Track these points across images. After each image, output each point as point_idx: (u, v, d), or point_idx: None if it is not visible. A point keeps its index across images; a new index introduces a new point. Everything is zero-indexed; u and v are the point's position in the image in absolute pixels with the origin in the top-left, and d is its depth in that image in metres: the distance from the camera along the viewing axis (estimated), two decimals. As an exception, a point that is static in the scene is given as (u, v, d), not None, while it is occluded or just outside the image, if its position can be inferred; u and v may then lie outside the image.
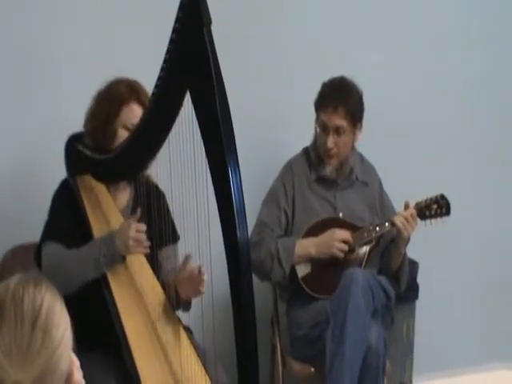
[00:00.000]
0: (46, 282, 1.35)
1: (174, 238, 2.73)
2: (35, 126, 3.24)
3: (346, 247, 3.19)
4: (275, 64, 3.64)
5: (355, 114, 3.22)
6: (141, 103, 2.66)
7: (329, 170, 3.29)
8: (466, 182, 4.02)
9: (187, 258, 2.56)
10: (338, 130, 3.20)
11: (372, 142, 3.41)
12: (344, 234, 3.20)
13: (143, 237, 2.50)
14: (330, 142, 3.21)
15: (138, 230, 2.50)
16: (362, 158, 3.41)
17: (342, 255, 3.18)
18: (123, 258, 2.55)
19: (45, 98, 3.25)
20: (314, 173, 3.32)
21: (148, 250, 2.55)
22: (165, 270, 2.69)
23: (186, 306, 2.67)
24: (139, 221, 2.53)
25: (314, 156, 3.32)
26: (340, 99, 3.18)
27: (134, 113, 2.67)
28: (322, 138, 3.24)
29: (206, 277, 2.51)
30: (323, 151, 3.26)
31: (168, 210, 2.75)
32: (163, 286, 2.63)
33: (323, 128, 3.23)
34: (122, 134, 2.66)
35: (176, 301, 2.62)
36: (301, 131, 3.40)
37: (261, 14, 3.62)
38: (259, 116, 3.61)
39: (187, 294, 2.60)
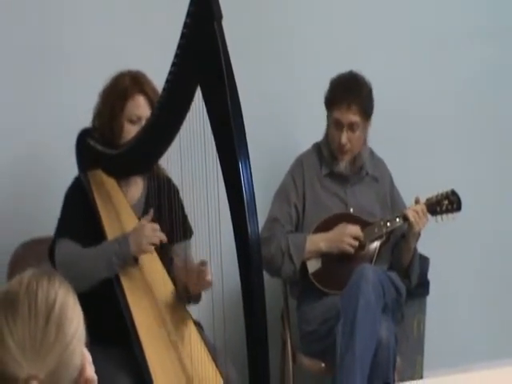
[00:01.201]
0: (60, 277, 1.35)
1: (187, 233, 2.73)
2: (45, 123, 3.24)
3: (356, 243, 3.18)
4: (285, 60, 3.64)
5: (367, 109, 3.22)
6: (145, 94, 2.68)
7: (343, 166, 3.29)
8: (476, 178, 4.00)
9: (202, 264, 2.55)
10: (351, 126, 3.20)
11: (379, 138, 3.40)
12: (354, 229, 3.19)
13: (158, 234, 2.53)
14: (344, 138, 3.20)
15: (152, 229, 2.52)
16: (372, 153, 3.40)
17: (352, 250, 3.18)
18: (135, 260, 2.56)
19: (55, 96, 3.25)
20: (326, 168, 3.31)
21: (164, 239, 2.56)
22: (176, 266, 2.69)
23: (196, 299, 2.68)
24: (152, 220, 2.55)
25: (326, 152, 3.32)
26: (353, 95, 3.18)
27: (137, 105, 2.68)
28: (336, 135, 3.23)
29: (209, 268, 2.51)
30: (337, 147, 3.26)
31: (181, 205, 2.75)
32: (174, 282, 2.63)
33: (337, 125, 3.22)
34: (129, 128, 2.67)
35: (187, 296, 2.63)
36: (311, 127, 3.40)
37: (271, 9, 3.62)
38: (269, 111, 3.61)
39: (196, 288, 2.60)
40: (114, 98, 2.69)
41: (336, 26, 3.72)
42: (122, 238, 2.54)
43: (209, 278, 2.52)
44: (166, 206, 2.63)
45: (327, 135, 3.32)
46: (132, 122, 2.68)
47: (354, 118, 3.19)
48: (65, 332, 1.29)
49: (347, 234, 3.18)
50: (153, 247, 2.55)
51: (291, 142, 3.64)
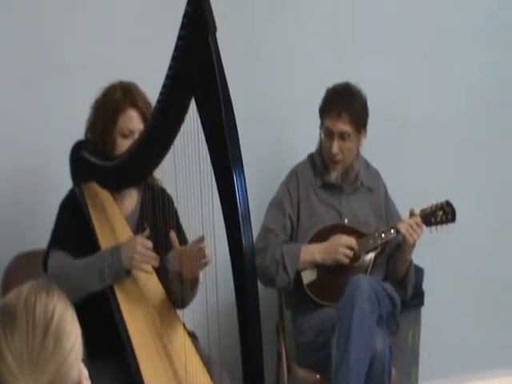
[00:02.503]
0: (58, 291, 1.35)
1: (181, 241, 2.72)
2: (43, 133, 3.25)
3: (350, 253, 3.18)
4: (281, 69, 3.65)
5: (360, 120, 3.23)
6: (137, 107, 2.67)
7: (334, 176, 3.30)
8: (472, 187, 4.01)
9: (200, 240, 2.50)
10: (342, 136, 3.21)
11: (375, 147, 3.41)
12: (349, 239, 3.20)
13: (150, 253, 2.51)
14: (335, 147, 3.21)
15: (144, 246, 2.50)
16: (367, 164, 3.41)
17: (346, 260, 3.18)
18: (128, 273, 2.55)
19: (53, 105, 3.26)
20: (320, 179, 3.32)
21: (152, 268, 2.53)
22: (170, 272, 2.68)
23: (194, 286, 2.62)
24: (148, 237, 2.54)
25: (319, 162, 3.33)
26: (344, 105, 3.19)
27: (129, 119, 2.68)
28: (327, 144, 3.25)
29: (206, 245, 2.45)
30: (328, 157, 3.27)
31: (176, 215, 2.75)
32: (168, 292, 2.63)
33: (328, 134, 3.24)
34: (121, 142, 2.68)
35: (182, 285, 2.59)
36: (306, 137, 3.41)
37: (265, 18, 3.62)
38: (264, 121, 3.62)
39: (192, 270, 2.55)
40: (106, 111, 2.69)
41: (332, 36, 3.72)
42: (114, 250, 2.54)
43: (207, 251, 2.46)
44: (160, 216, 2.63)
45: (320, 145, 3.33)
46: (124, 135, 2.68)
47: (344, 127, 3.20)
48: (62, 346, 1.29)
49: (341, 245, 3.18)
50: (147, 266, 2.53)
51: (285, 152, 3.64)
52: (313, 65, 3.67)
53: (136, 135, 2.64)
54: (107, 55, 3.29)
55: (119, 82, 2.72)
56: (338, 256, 3.18)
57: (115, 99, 2.68)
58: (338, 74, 3.32)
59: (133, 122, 2.67)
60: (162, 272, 2.65)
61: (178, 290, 2.61)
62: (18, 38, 3.20)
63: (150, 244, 2.51)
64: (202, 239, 2.48)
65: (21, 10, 3.20)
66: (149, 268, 2.53)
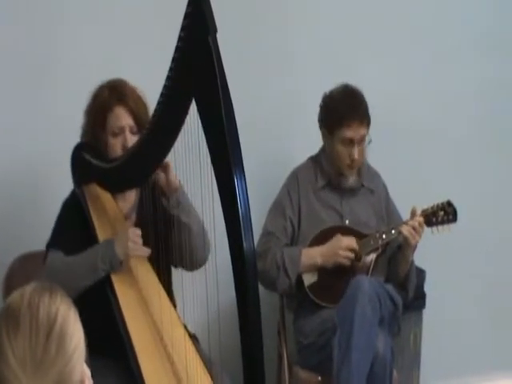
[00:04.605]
0: (61, 292, 1.35)
1: None
2: (46, 135, 3.25)
3: (351, 255, 3.18)
4: (281, 72, 3.64)
5: (370, 119, 3.23)
6: (124, 103, 2.66)
7: (352, 180, 3.28)
8: (474, 188, 4.00)
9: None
10: (362, 140, 3.20)
11: (376, 148, 3.40)
12: (349, 241, 3.18)
13: (140, 242, 2.53)
14: (357, 153, 3.19)
15: (135, 234, 2.53)
16: (367, 165, 3.40)
17: (348, 263, 3.18)
18: (121, 264, 2.55)
19: (59, 109, 3.26)
20: (322, 180, 3.30)
21: (148, 253, 2.56)
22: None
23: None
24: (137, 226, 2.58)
25: (332, 170, 3.28)
26: (361, 112, 3.18)
27: (117, 116, 2.67)
28: (345, 152, 3.20)
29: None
30: (348, 164, 3.23)
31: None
32: (169, 293, 2.63)
33: (347, 142, 3.19)
34: (112, 141, 2.68)
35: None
36: (307, 139, 3.40)
37: (266, 20, 3.62)
38: (265, 124, 3.61)
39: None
40: (95, 113, 2.69)
41: (332, 38, 3.71)
42: (107, 242, 2.56)
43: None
44: (160, 214, 2.63)
45: (331, 153, 3.26)
46: (115, 134, 2.68)
47: (364, 131, 3.20)
48: (65, 348, 1.29)
49: (342, 247, 3.17)
50: (138, 252, 2.54)
51: (286, 155, 3.64)
52: (313, 71, 3.66)
53: (126, 132, 2.66)
54: (106, 55, 3.29)
55: (107, 81, 2.72)
56: (339, 259, 3.17)
57: (102, 99, 2.68)
58: (339, 78, 3.30)
59: (121, 119, 2.67)
60: (163, 273, 2.65)
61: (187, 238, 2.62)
62: (15, 41, 3.20)
63: (138, 231, 2.54)
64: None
65: (17, 13, 3.20)
66: (143, 254, 2.57)
